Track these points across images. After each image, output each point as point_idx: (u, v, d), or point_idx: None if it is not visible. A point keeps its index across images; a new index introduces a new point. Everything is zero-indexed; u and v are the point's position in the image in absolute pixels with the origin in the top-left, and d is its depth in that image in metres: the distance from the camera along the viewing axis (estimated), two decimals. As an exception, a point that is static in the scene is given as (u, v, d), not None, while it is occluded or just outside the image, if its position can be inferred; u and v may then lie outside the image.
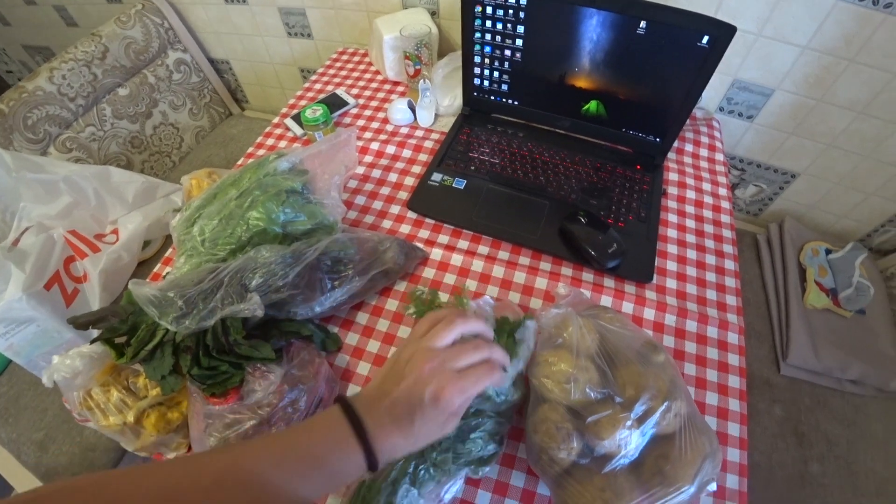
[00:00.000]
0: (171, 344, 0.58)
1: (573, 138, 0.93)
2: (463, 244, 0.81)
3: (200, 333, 0.58)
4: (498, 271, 0.77)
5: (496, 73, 0.89)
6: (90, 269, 1.00)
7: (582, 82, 0.84)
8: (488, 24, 0.83)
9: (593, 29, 0.76)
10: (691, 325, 0.73)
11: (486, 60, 0.87)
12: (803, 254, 1.13)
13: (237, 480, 0.37)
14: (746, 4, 0.88)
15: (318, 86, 1.11)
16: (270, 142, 1.00)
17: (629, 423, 0.51)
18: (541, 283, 0.76)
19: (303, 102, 1.07)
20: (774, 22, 0.89)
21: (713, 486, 0.58)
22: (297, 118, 1.01)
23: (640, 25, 0.73)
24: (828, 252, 1.13)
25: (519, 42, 0.82)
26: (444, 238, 0.82)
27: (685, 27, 0.72)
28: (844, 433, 0.99)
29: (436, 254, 0.79)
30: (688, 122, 0.85)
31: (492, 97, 0.93)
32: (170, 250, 0.86)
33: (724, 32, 0.70)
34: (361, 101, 1.06)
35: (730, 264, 0.82)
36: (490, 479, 0.60)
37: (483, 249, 0.80)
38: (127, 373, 0.64)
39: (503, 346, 0.53)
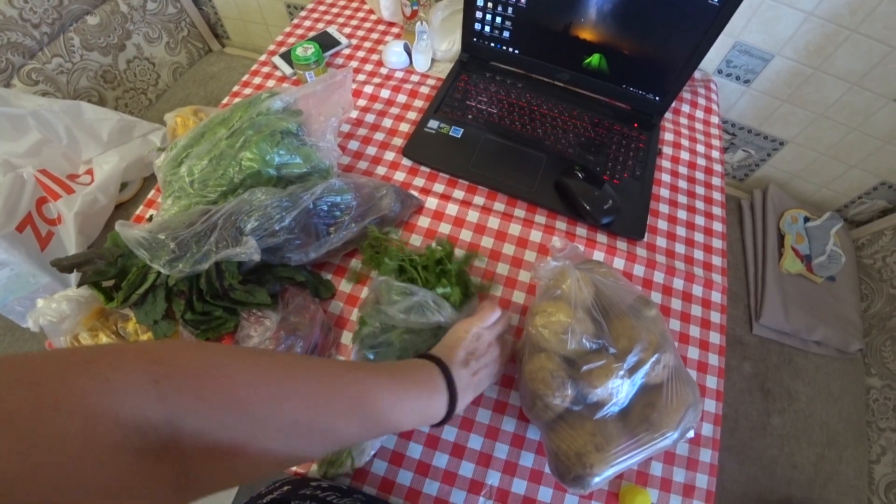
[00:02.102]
0: (164, 288, 0.57)
1: (572, 92, 0.92)
2: (458, 194, 0.80)
3: (194, 277, 0.57)
4: (493, 223, 0.77)
5: (498, 19, 0.85)
6: (64, 211, 0.96)
7: (586, 34, 0.81)
8: (494, -36, 0.79)
9: (603, -23, 0.74)
10: (678, 283, 0.75)
11: (489, 4, 0.83)
12: (783, 220, 1.16)
13: (366, 413, 0.41)
14: (757, -39, 0.86)
15: (307, 23, 1.05)
16: (257, 80, 0.95)
17: (621, 372, 0.52)
18: (535, 235, 0.76)
19: (291, 40, 1.01)
20: (783, -18, 0.87)
21: (692, 433, 0.62)
22: (285, 56, 0.95)
23: (652, -24, 0.71)
24: (806, 220, 1.16)
25: (525, -14, 0.79)
26: (439, 187, 0.80)
27: (698, -19, 0.70)
28: (805, 390, 1.05)
29: (431, 203, 0.78)
30: (686, 82, 0.84)
31: (492, 44, 0.90)
32: (152, 192, 0.83)
33: (736, -10, 0.69)
34: (354, 42, 1.00)
35: (718, 226, 0.83)
36: (482, 423, 0.62)
37: (479, 200, 0.79)
38: (115, 317, 0.63)
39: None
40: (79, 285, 0.60)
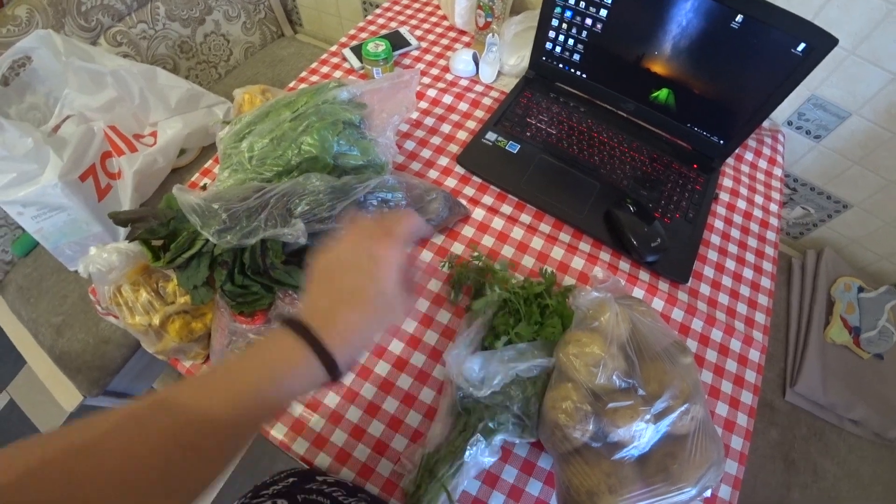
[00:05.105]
0: (209, 256, 0.58)
1: (635, 124, 0.90)
2: (506, 209, 0.79)
3: (238, 250, 0.58)
4: (537, 243, 0.76)
5: (571, 41, 0.85)
6: (125, 167, 1.00)
7: (658, 67, 0.80)
8: (576, -13, 0.78)
9: (685, 13, 0.72)
10: (716, 335, 0.73)
11: (564, 26, 0.83)
12: (835, 287, 1.11)
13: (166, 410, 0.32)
14: (848, 17, 0.82)
15: (380, 20, 1.07)
16: (325, 69, 0.97)
17: (647, 416, 0.51)
18: (577, 262, 0.75)
19: (363, 35, 1.04)
20: (873, 42, 0.83)
21: (709, 493, 0.60)
22: (356, 50, 0.97)
23: (736, 19, 0.69)
24: (860, 290, 1.11)
25: (603, 12, 0.78)
26: (488, 199, 0.80)
27: (783, 29, 0.68)
28: (833, 469, 0.99)
29: (478, 213, 0.78)
30: (754, 130, 0.81)
31: (560, 65, 0.89)
32: (209, 161, 0.86)
33: (823, 43, 0.66)
34: (424, 45, 1.02)
35: (766, 282, 0.80)
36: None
37: (525, 218, 0.79)
38: (157, 276, 0.65)
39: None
40: (129, 240, 0.62)
